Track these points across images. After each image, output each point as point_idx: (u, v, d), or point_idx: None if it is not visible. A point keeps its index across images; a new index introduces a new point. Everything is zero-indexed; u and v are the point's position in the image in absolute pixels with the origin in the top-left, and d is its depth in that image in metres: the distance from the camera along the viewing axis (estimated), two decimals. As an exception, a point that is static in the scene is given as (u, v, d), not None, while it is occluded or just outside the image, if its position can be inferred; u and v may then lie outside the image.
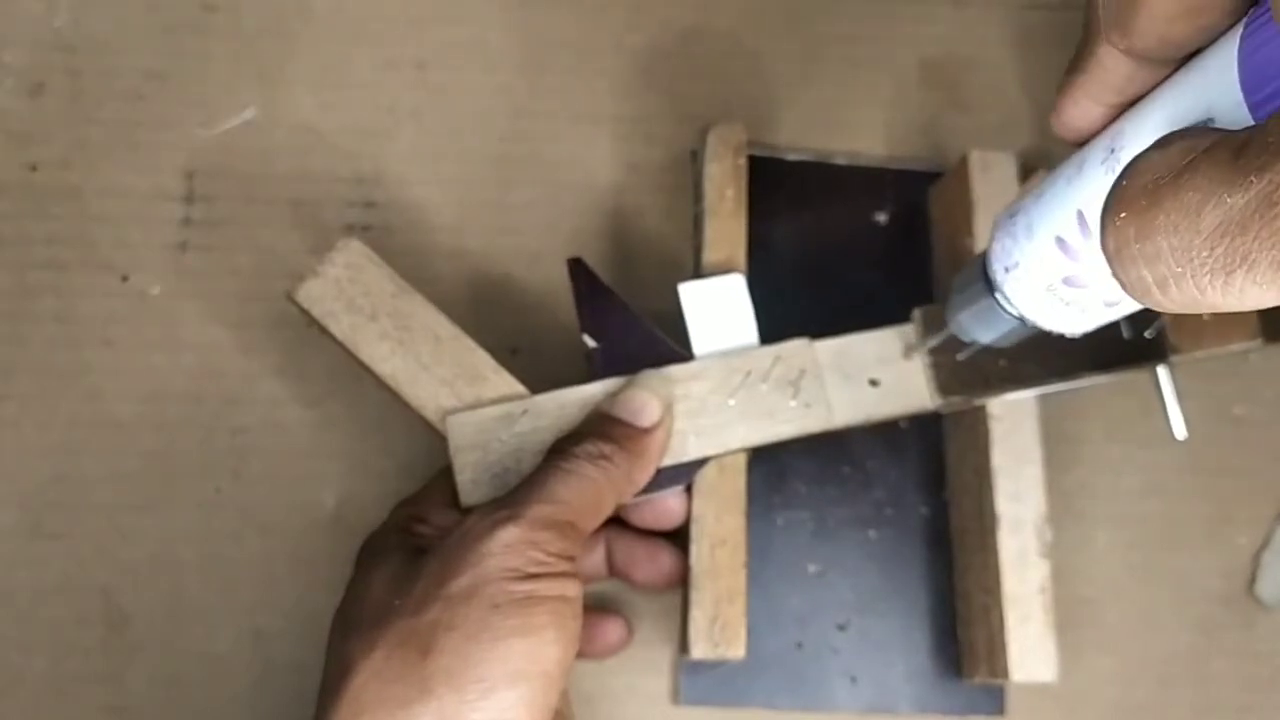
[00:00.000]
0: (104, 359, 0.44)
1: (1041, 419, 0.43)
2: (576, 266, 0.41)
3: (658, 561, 0.42)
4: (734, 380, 0.40)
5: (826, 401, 0.41)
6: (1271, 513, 0.48)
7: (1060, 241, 0.29)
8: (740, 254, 0.43)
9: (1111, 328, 0.41)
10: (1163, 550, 0.48)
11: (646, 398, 0.39)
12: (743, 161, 0.44)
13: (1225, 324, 0.42)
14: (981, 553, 0.43)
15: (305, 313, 0.39)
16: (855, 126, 0.50)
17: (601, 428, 0.38)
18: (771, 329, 0.42)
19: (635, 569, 0.43)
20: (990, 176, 0.45)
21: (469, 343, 0.40)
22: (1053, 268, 0.30)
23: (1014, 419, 0.43)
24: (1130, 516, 0.48)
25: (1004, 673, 0.41)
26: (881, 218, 0.50)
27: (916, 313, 0.42)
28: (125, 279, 0.45)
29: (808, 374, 0.41)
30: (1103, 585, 0.47)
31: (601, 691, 0.44)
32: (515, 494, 0.35)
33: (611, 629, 0.43)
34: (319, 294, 0.39)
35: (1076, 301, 0.30)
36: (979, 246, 0.44)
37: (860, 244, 0.49)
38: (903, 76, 0.51)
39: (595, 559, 0.43)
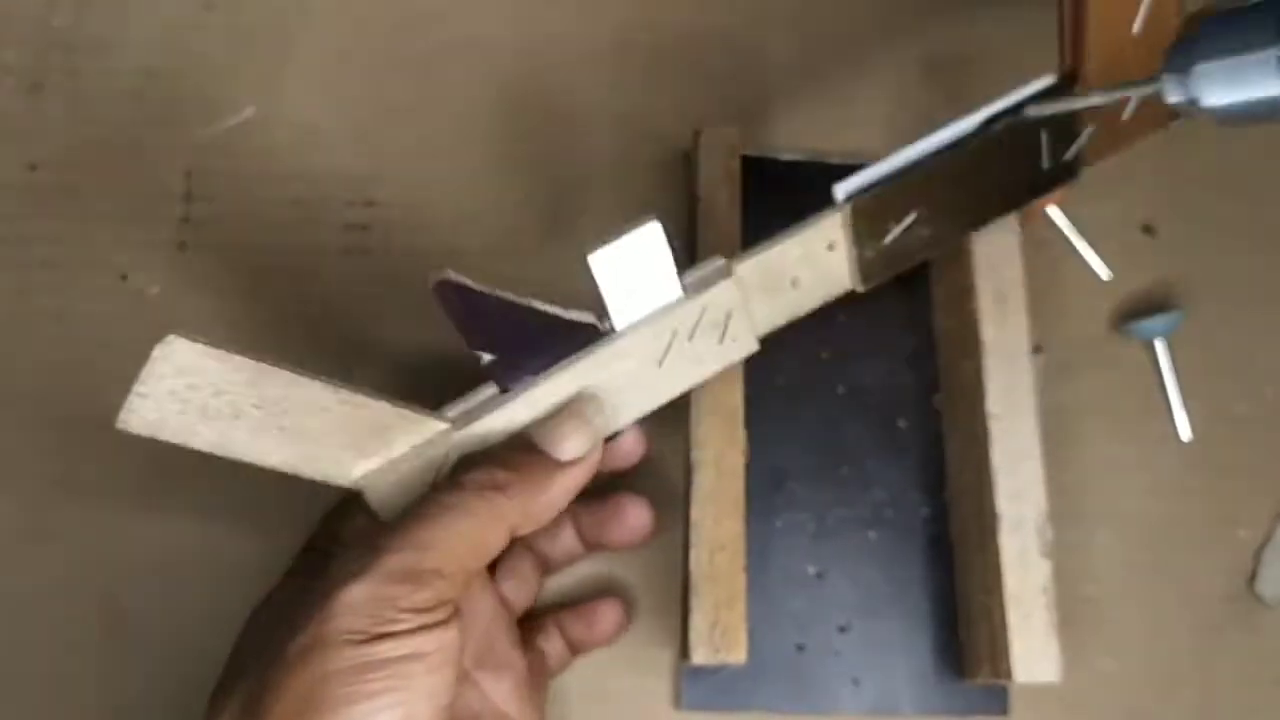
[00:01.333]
0: (104, 359, 0.45)
1: (1041, 417, 0.44)
2: (443, 289, 0.35)
3: (625, 518, 0.41)
4: (660, 345, 0.37)
5: (752, 328, 0.38)
6: (1273, 511, 0.49)
7: None
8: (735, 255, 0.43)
9: (1034, 160, 0.39)
10: (1164, 549, 0.48)
11: (574, 428, 0.36)
12: (735, 163, 0.44)
13: (1141, 119, 0.40)
14: (982, 552, 0.44)
15: (153, 439, 0.32)
16: (856, 125, 0.51)
17: (508, 453, 0.35)
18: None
19: (606, 533, 0.41)
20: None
21: (360, 399, 0.33)
22: None
23: (1013, 417, 0.43)
24: (1132, 515, 0.48)
25: (1007, 673, 0.41)
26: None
27: (844, 205, 0.38)
28: (125, 278, 0.46)
29: (735, 312, 0.38)
30: (1104, 584, 0.47)
31: (602, 696, 0.44)
32: (380, 538, 0.32)
33: (606, 614, 0.42)
34: (156, 416, 0.31)
35: None
36: (977, 246, 0.44)
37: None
38: (903, 75, 0.52)
39: (565, 539, 0.42)
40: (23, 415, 0.44)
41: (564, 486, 0.36)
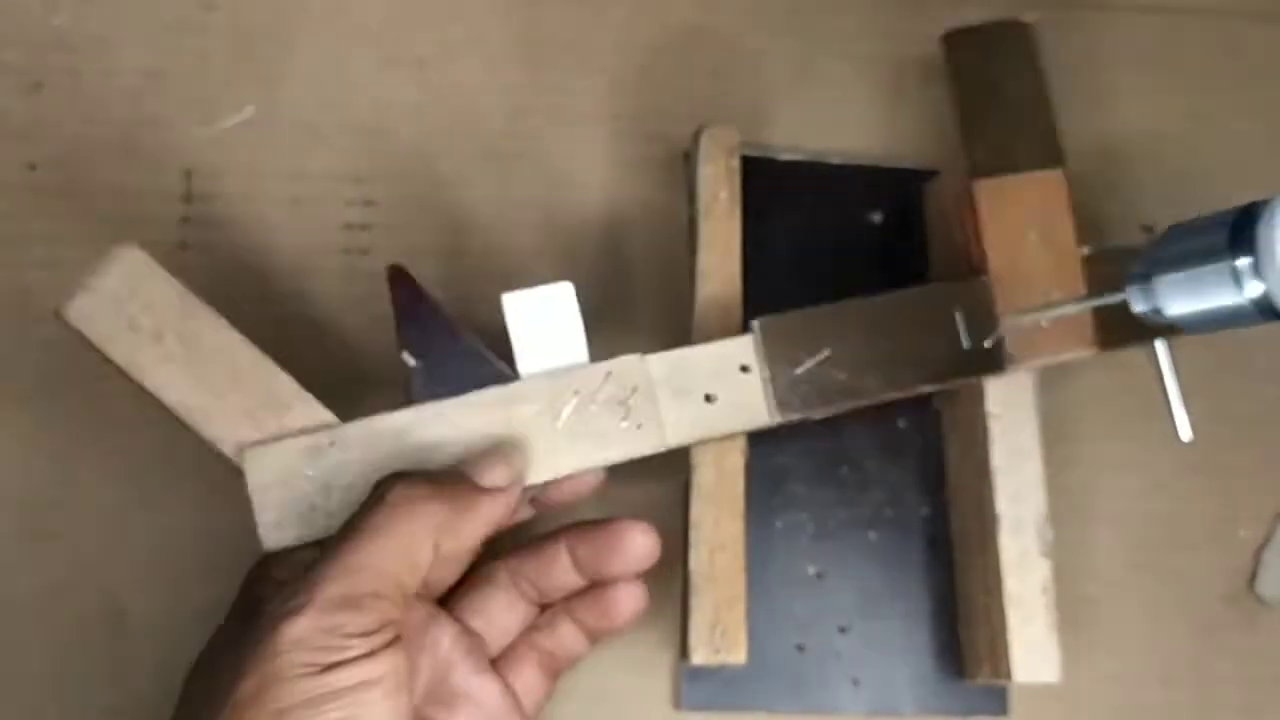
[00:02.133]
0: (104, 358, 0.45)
1: (1041, 417, 0.44)
2: (398, 275, 0.38)
3: (625, 546, 0.39)
4: (561, 400, 0.38)
5: (659, 421, 0.39)
6: (1272, 511, 0.49)
7: None
8: (735, 256, 0.44)
9: (951, 337, 0.42)
10: (1164, 549, 0.48)
11: (495, 461, 0.37)
12: (736, 163, 0.45)
13: (1061, 333, 0.42)
14: (982, 553, 0.44)
15: (79, 334, 0.36)
16: (855, 125, 0.51)
17: (432, 472, 0.37)
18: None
19: (606, 564, 0.40)
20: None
21: (271, 366, 0.37)
22: None
23: (1013, 418, 0.44)
24: (1132, 515, 0.49)
25: (1007, 673, 0.42)
26: (876, 217, 0.50)
27: (755, 324, 0.41)
28: (125, 279, 0.46)
29: (639, 391, 0.39)
30: (1104, 584, 0.48)
31: (601, 696, 0.45)
32: (314, 565, 0.33)
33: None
34: (92, 311, 0.35)
35: None
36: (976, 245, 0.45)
37: (856, 244, 0.50)
38: (902, 75, 0.52)
39: (559, 572, 0.40)
40: (22, 416, 0.45)
41: (485, 512, 0.36)
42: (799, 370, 0.41)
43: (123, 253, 0.35)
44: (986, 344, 0.42)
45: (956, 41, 0.46)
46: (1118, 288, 0.37)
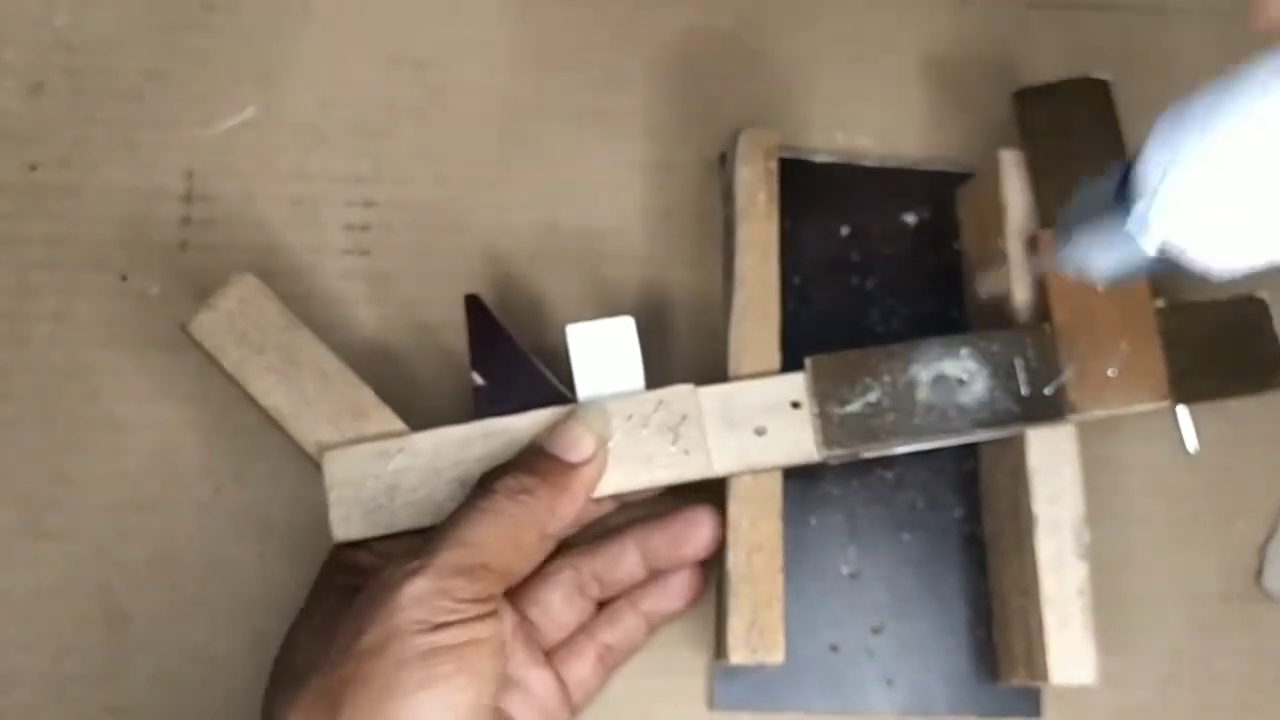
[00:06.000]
0: (104, 359, 0.48)
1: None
2: (473, 304, 0.45)
3: (700, 528, 0.45)
4: (615, 423, 0.44)
5: (706, 449, 0.44)
6: (1274, 506, 0.51)
7: (1257, 140, 0.28)
8: (773, 257, 0.47)
9: (1010, 383, 0.45)
10: (1165, 548, 0.51)
11: (580, 432, 0.42)
12: (774, 164, 0.48)
13: (1131, 383, 0.45)
14: (1018, 554, 0.46)
15: (199, 345, 0.44)
16: (856, 126, 0.54)
17: (528, 460, 0.42)
18: (801, 332, 0.46)
19: (680, 549, 0.45)
20: (1022, 176, 0.49)
21: (354, 379, 0.44)
22: (1237, 171, 0.29)
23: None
24: (1132, 514, 0.51)
25: (1043, 675, 0.44)
26: (910, 219, 0.53)
27: (808, 362, 0.45)
28: (125, 279, 0.49)
29: (689, 419, 0.44)
30: (1104, 583, 0.48)
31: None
32: (429, 540, 0.39)
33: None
34: (210, 327, 0.44)
35: (1255, 220, 0.29)
36: (1010, 247, 0.48)
37: (890, 245, 0.53)
38: (907, 76, 0.55)
39: (627, 563, 0.45)
40: (23, 415, 0.48)
41: (580, 486, 0.42)
42: (848, 409, 0.45)
43: (240, 278, 0.44)
44: (1047, 391, 0.45)
45: (1029, 99, 0.50)
46: (1194, 343, 0.44)
